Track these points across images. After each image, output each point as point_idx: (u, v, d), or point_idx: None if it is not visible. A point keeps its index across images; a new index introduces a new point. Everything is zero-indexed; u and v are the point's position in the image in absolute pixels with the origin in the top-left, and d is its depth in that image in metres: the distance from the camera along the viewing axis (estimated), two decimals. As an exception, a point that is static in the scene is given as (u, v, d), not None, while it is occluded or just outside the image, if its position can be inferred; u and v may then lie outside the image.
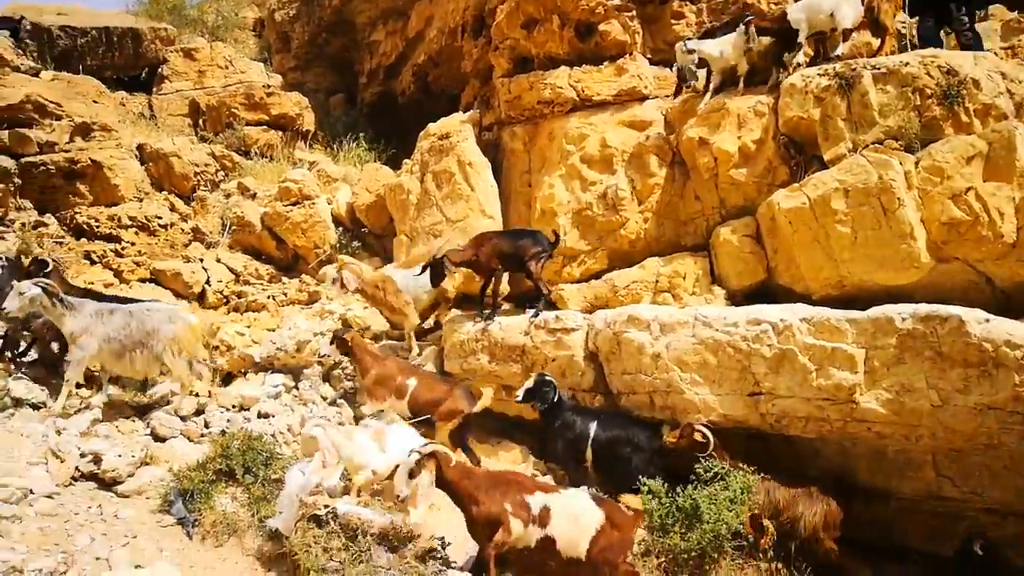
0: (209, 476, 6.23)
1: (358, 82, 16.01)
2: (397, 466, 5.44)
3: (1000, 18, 9.37)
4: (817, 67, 7.39)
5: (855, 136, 6.93)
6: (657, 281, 7.94)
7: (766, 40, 7.84)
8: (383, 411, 7.37)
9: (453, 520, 5.74)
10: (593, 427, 6.82)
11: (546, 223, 8.75)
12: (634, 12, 9.09)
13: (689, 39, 8.20)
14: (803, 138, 7.38)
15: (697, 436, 6.25)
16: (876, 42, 7.76)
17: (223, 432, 7.05)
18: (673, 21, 9.13)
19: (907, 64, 6.83)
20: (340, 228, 10.84)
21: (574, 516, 5.17)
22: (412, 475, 5.18)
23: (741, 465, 6.19)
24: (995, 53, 8.23)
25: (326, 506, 5.57)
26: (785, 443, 6.58)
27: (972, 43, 7.56)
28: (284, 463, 6.36)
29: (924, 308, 5.78)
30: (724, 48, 7.94)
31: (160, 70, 14.46)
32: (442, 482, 5.28)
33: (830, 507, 6.03)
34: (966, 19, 7.62)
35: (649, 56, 9.17)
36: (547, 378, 6.99)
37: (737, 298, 7.54)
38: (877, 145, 6.77)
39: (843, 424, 6.01)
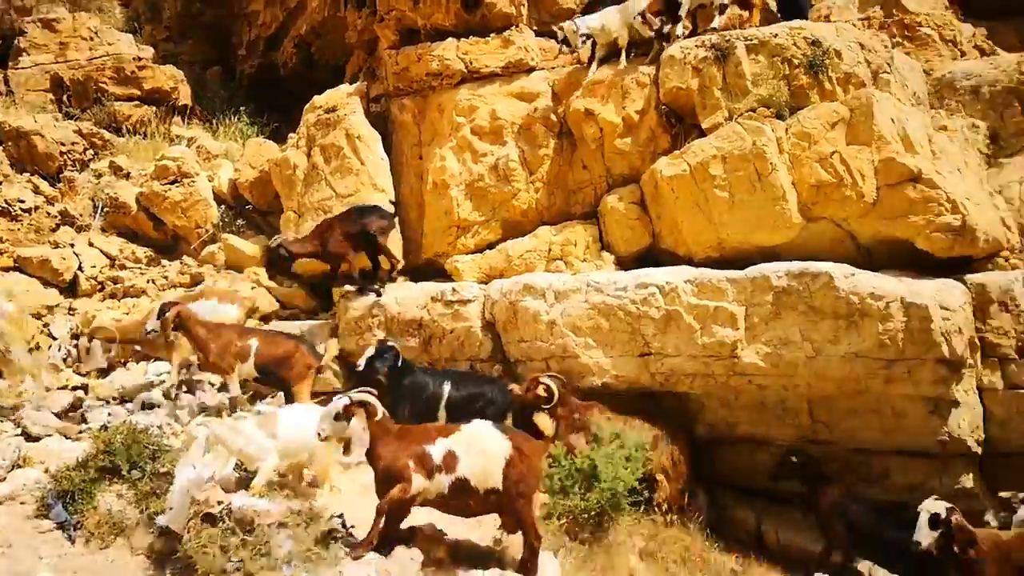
0: (91, 475, 5.81)
1: (236, 54, 15.38)
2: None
3: (858, -10, 9.91)
4: (694, 39, 7.67)
5: (731, 105, 7.26)
6: (550, 250, 8.11)
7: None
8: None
9: (357, 501, 5.75)
10: (447, 387, 6.87)
11: (439, 195, 8.77)
12: (519, -16, 9.13)
13: (575, 16, 8.32)
14: (683, 108, 7.66)
15: (541, 390, 6.39)
16: (746, 14, 8.12)
17: (104, 427, 6.70)
18: (557, -7, 9.21)
19: (776, 35, 7.18)
20: (223, 206, 10.49)
21: (481, 450, 5.12)
22: (338, 418, 5.04)
23: (635, 422, 6.45)
24: (853, 24, 8.76)
25: (220, 502, 5.38)
26: (675, 399, 6.90)
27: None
28: (172, 456, 6.05)
29: (797, 265, 6.18)
30: (607, 22, 8.13)
31: (16, 42, 13.45)
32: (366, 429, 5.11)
33: (674, 451, 6.39)
34: None
35: (535, 28, 9.22)
36: (389, 343, 6.98)
37: (626, 263, 7.79)
38: (751, 113, 7.12)
39: (727, 378, 6.37)
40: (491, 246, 8.57)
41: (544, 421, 6.34)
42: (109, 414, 7.06)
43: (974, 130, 7.35)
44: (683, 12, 7.86)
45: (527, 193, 8.47)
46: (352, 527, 5.39)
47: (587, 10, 8.72)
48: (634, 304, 6.65)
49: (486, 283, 8.00)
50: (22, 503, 5.74)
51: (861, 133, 6.54)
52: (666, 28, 7.89)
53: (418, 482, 5.03)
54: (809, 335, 6.05)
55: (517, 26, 9.20)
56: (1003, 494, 5.98)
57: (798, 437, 6.50)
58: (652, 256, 7.71)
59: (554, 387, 6.38)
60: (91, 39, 13.85)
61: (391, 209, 7.96)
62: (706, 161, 7.03)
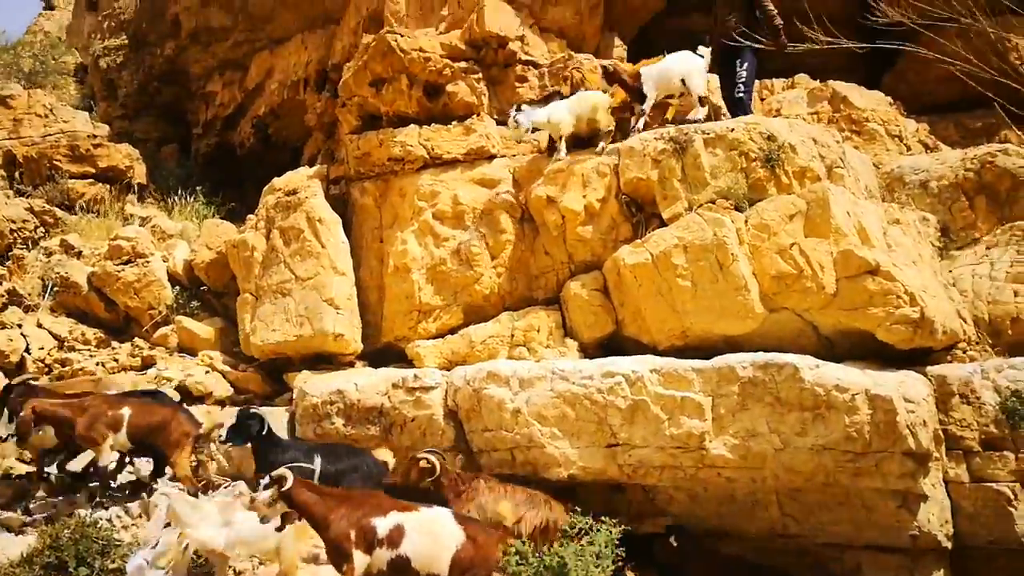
0: (36, 572, 5.60)
1: (192, 132, 15.36)
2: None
3: (805, 86, 10.35)
4: (653, 132, 7.86)
5: (690, 196, 7.39)
6: (512, 335, 8.05)
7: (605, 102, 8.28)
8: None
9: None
10: (318, 461, 6.69)
11: (400, 279, 8.72)
12: (480, 74, 9.35)
13: (520, 107, 8.54)
14: (643, 197, 7.79)
15: (423, 464, 6.25)
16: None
17: (49, 519, 6.39)
18: (517, 84, 9.42)
19: (733, 129, 7.39)
20: (177, 287, 10.25)
21: (432, 534, 5.11)
22: (270, 505, 5.08)
23: (604, 518, 6.31)
24: (803, 118, 9.12)
25: None
26: (642, 492, 6.80)
27: (742, 100, 8.19)
28: (123, 551, 5.84)
29: (762, 357, 6.21)
30: (553, 115, 8.39)
31: (-33, 118, 13.27)
32: (294, 504, 5.15)
33: (551, 513, 6.30)
34: (744, 74, 8.28)
35: (496, 116, 9.40)
36: (251, 411, 6.76)
37: (589, 350, 7.77)
38: (710, 204, 7.25)
39: (695, 471, 6.30)
40: (453, 331, 8.48)
41: (506, 510, 6.14)
42: (55, 505, 6.68)
43: (925, 223, 7.61)
44: (647, 106, 8.10)
45: (489, 278, 8.46)
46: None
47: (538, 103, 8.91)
48: (600, 393, 6.59)
49: (448, 369, 7.88)
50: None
51: (819, 226, 6.69)
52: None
53: (359, 560, 5.01)
54: (776, 427, 6.05)
55: (478, 114, 9.38)
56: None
57: (767, 531, 6.43)
58: (616, 343, 7.71)
59: (435, 461, 6.26)
60: (46, 116, 13.73)
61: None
62: (668, 250, 7.12)
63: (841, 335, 6.72)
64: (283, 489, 5.08)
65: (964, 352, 6.62)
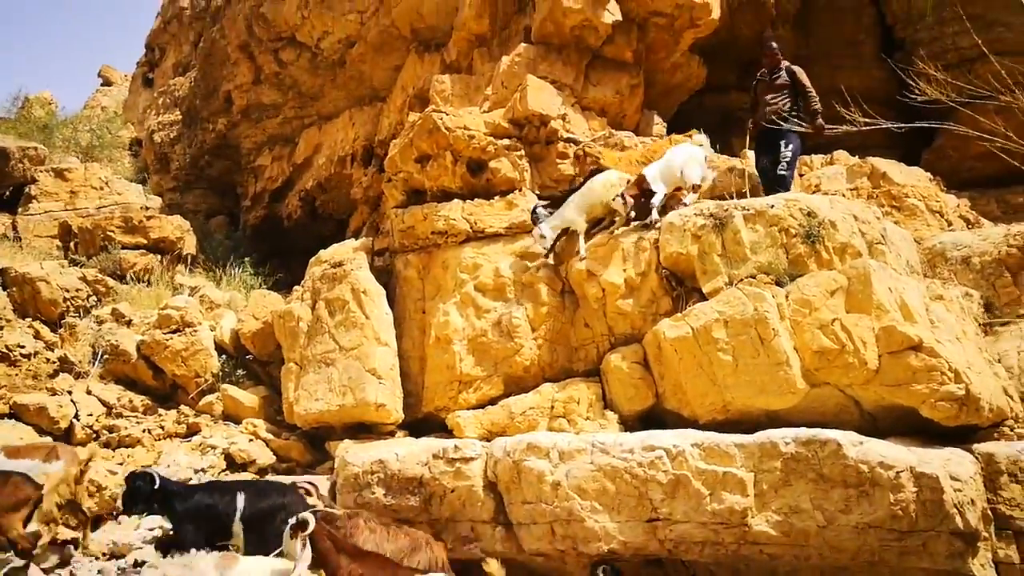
0: None
1: (241, 205, 15.93)
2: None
3: (844, 162, 10.49)
4: (693, 208, 8.02)
5: (730, 270, 7.48)
6: (553, 407, 8.10)
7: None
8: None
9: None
10: (240, 502, 6.65)
11: (441, 350, 8.86)
12: (522, 151, 9.65)
13: (536, 214, 8.86)
14: (683, 272, 7.90)
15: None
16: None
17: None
18: (558, 160, 9.70)
19: (773, 206, 7.52)
20: (223, 355, 10.49)
21: None
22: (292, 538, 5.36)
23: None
24: (843, 195, 9.22)
25: None
26: (683, 567, 6.71)
27: (784, 178, 8.39)
28: None
29: (805, 432, 6.17)
30: (566, 216, 8.69)
31: (28, 190, 13.95)
32: (315, 548, 5.35)
33: (433, 554, 6.29)
34: (788, 154, 8.48)
35: (537, 191, 9.66)
36: (138, 472, 6.74)
37: (629, 423, 7.78)
38: (751, 279, 7.32)
39: (737, 547, 6.21)
40: (493, 401, 8.57)
41: (494, 567, 6.02)
42: (99, 572, 6.76)
43: (968, 299, 7.59)
44: (658, 200, 8.32)
45: (529, 349, 8.57)
46: None
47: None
48: (641, 467, 6.57)
49: (488, 440, 7.92)
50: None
51: (860, 302, 6.72)
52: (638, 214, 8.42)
53: None
54: (820, 504, 5.97)
55: (520, 190, 9.65)
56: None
57: (812, 611, 6.29)
58: (656, 416, 7.71)
59: (313, 491, 6.49)
60: (101, 188, 14.41)
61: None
62: (709, 324, 7.17)
63: (884, 411, 6.67)
64: (305, 533, 5.29)
65: (1011, 430, 6.51)
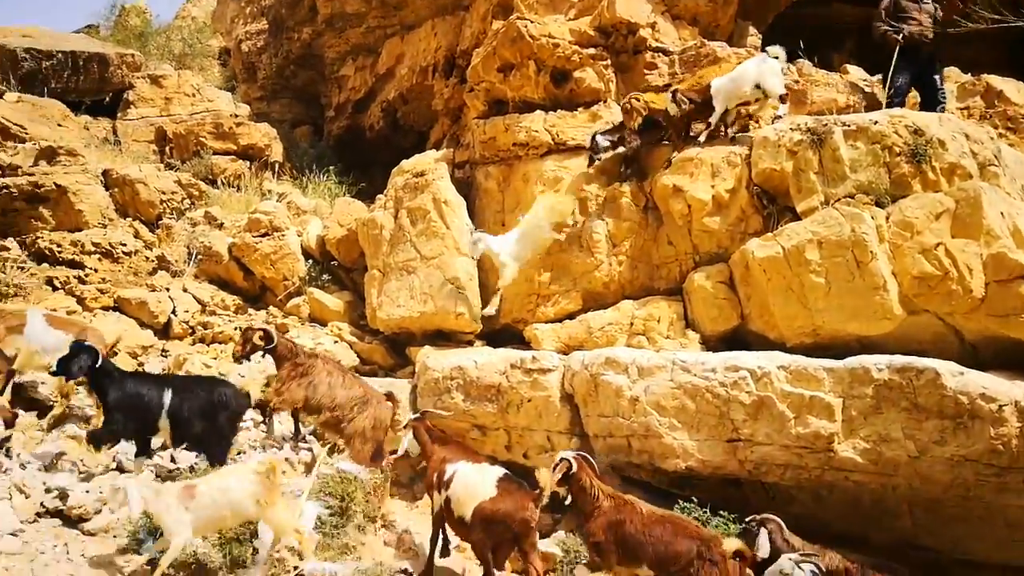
0: None
1: (325, 115, 15.98)
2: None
3: (955, 80, 9.80)
4: (789, 122, 7.64)
5: (827, 189, 7.15)
6: (632, 323, 8.02)
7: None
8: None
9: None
10: (168, 395, 6.57)
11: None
12: (609, 61, 9.31)
13: (597, 139, 8.56)
14: (775, 189, 7.59)
15: (257, 338, 7.02)
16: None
17: (192, 468, 6.83)
18: (646, 71, 9.32)
19: (876, 122, 7.10)
20: (310, 260, 10.70)
21: (467, 484, 5.87)
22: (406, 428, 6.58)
23: (721, 513, 6.23)
24: (952, 113, 8.64)
25: (295, 568, 5.48)
26: (762, 489, 6.65)
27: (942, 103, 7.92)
28: None
29: (900, 360, 5.95)
30: (503, 249, 8.60)
31: (126, 96, 14.26)
32: (416, 435, 6.53)
33: (379, 412, 6.90)
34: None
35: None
36: (84, 344, 6.53)
37: (711, 343, 7.65)
38: (848, 199, 6.99)
39: (821, 472, 6.12)
40: (571, 316, 8.51)
41: (544, 476, 5.95)
42: (198, 456, 7.11)
43: (1089, 228, 7.08)
44: (715, 117, 8.01)
45: (609, 265, 8.44)
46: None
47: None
48: (723, 387, 6.49)
49: (566, 353, 7.93)
50: (115, 536, 5.87)
51: (968, 226, 6.35)
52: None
53: (435, 496, 6.14)
54: (912, 434, 5.78)
55: (605, 101, 9.37)
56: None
57: (896, 540, 6.18)
58: (739, 337, 7.56)
59: (272, 332, 7.05)
60: (193, 96, 14.63)
61: None
62: (801, 245, 6.91)
63: (987, 342, 6.36)
64: (414, 420, 6.61)
65: None
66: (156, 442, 6.98)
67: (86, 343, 6.62)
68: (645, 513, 5.60)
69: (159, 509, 5.38)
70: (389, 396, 7.53)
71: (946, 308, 6.35)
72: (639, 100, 8.42)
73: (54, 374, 6.58)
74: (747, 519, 5.79)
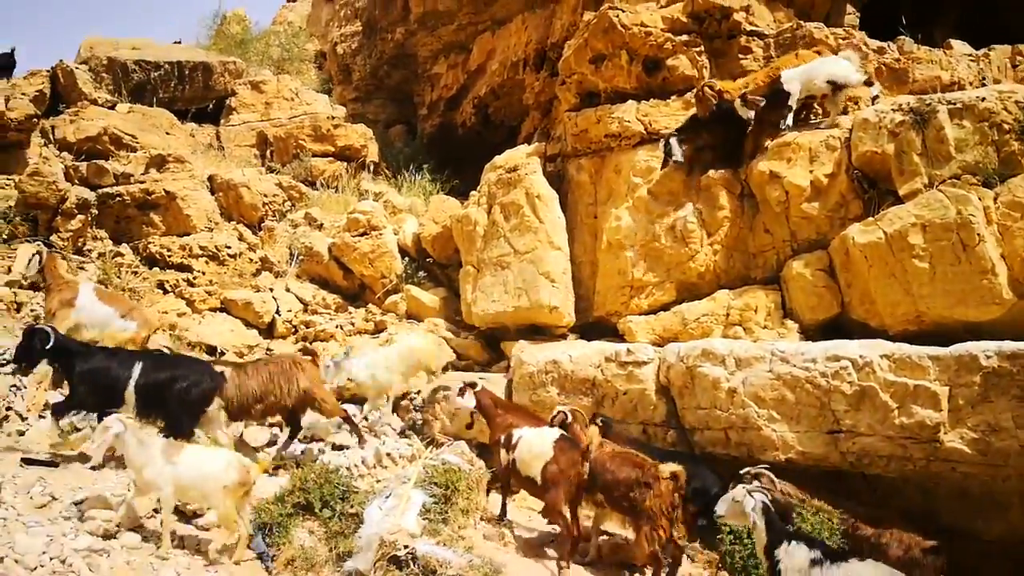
0: (287, 509, 6.15)
1: (418, 113, 16.33)
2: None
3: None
4: (890, 102, 7.40)
5: (931, 171, 6.90)
6: (728, 314, 7.95)
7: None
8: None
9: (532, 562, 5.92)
10: (136, 370, 6.52)
11: (613, 255, 8.86)
12: (702, 47, 9.19)
13: (671, 143, 8.58)
14: (876, 173, 7.38)
15: None
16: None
17: (297, 463, 7.11)
18: (740, 56, 9.15)
19: (984, 99, 6.80)
20: (406, 258, 10.99)
21: (531, 446, 6.43)
22: (460, 395, 7.21)
23: (817, 502, 6.13)
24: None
25: (406, 547, 5.59)
26: (863, 480, 6.51)
27: None
28: (360, 498, 6.30)
29: (1010, 346, 5.72)
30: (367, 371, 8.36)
31: (228, 102, 14.92)
32: (479, 405, 7.18)
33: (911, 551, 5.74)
34: None
35: (717, 89, 9.21)
36: (36, 327, 6.59)
37: (810, 332, 7.52)
38: (954, 180, 6.74)
39: (926, 463, 5.96)
40: (665, 308, 8.51)
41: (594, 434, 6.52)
42: (302, 452, 7.45)
43: None
44: (793, 102, 7.97)
45: (704, 255, 8.38)
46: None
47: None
48: (824, 377, 6.37)
49: (660, 345, 7.92)
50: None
51: (1085, 205, 6.03)
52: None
53: (503, 455, 6.69)
54: (1024, 423, 5.57)
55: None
56: None
57: (1006, 533, 5.95)
58: (840, 326, 7.39)
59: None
60: (292, 99, 15.16)
61: None
62: (904, 229, 6.70)
63: (1107, 327, 6.04)
64: (475, 391, 7.21)
65: None
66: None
67: (36, 326, 6.58)
68: (608, 452, 6.28)
69: (141, 460, 5.53)
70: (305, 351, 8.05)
71: (1061, 292, 6.05)
72: (712, 88, 8.41)
73: (13, 364, 6.73)
74: (742, 471, 6.04)
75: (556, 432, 6.51)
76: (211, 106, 14.94)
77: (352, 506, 6.28)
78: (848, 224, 7.35)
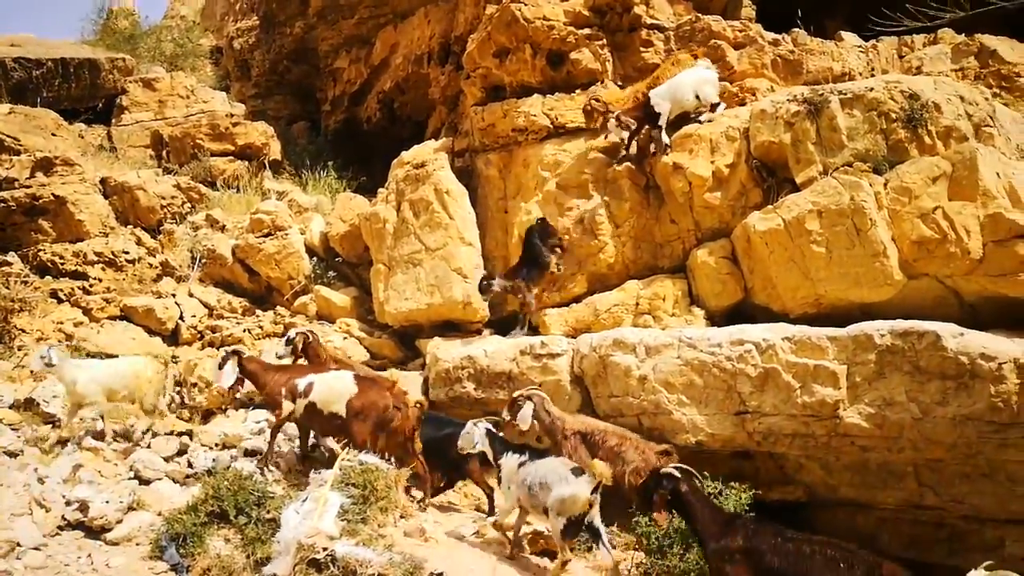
0: (201, 519, 5.97)
1: (321, 109, 15.99)
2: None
3: (949, 41, 9.77)
4: (786, 93, 7.68)
5: (825, 159, 7.20)
6: (637, 303, 8.10)
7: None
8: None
9: (453, 555, 5.89)
10: None
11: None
12: (604, 40, 9.33)
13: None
14: (774, 162, 7.65)
15: None
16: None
17: (209, 472, 6.92)
18: (642, 48, 9.34)
19: (872, 89, 7.14)
20: (314, 258, 10.76)
21: (330, 385, 6.75)
22: (220, 367, 7.05)
23: (733, 484, 6.31)
24: (946, 76, 8.63)
25: (324, 549, 5.53)
26: (771, 460, 6.75)
27: None
28: (277, 503, 6.19)
29: (902, 324, 6.02)
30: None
31: (119, 101, 14.31)
32: (244, 372, 7.08)
33: (646, 456, 6.31)
34: None
35: (620, 83, 9.39)
36: None
37: (716, 318, 7.73)
38: (847, 167, 7.05)
39: (828, 439, 6.21)
40: (577, 299, 8.60)
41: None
42: (214, 460, 7.22)
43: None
44: (663, 122, 8.14)
45: (613, 247, 8.51)
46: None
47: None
48: (729, 361, 6.57)
49: (574, 336, 8.01)
50: (137, 544, 5.91)
51: (965, 188, 6.40)
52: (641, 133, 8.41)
53: (287, 406, 6.85)
54: (915, 396, 5.86)
55: (602, 82, 9.39)
56: None
57: (903, 502, 6.27)
58: (744, 311, 7.63)
59: None
60: (187, 97, 14.65)
61: None
62: (802, 216, 6.97)
63: (986, 302, 6.44)
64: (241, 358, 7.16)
65: (1125, 321, 6.20)
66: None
67: None
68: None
69: (71, 375, 7.07)
70: None
71: (945, 271, 6.42)
72: (598, 101, 8.63)
73: None
74: (515, 394, 6.80)
75: (350, 373, 6.95)
76: (100, 105, 14.30)
77: (268, 511, 6.15)
78: (749, 212, 7.59)
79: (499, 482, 6.30)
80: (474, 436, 6.33)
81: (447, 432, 7.01)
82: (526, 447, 6.36)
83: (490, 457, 6.35)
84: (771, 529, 4.90)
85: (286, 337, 7.91)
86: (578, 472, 5.71)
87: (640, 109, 8.34)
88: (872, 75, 8.71)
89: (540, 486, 5.78)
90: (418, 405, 6.77)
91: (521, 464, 6.06)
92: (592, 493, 5.55)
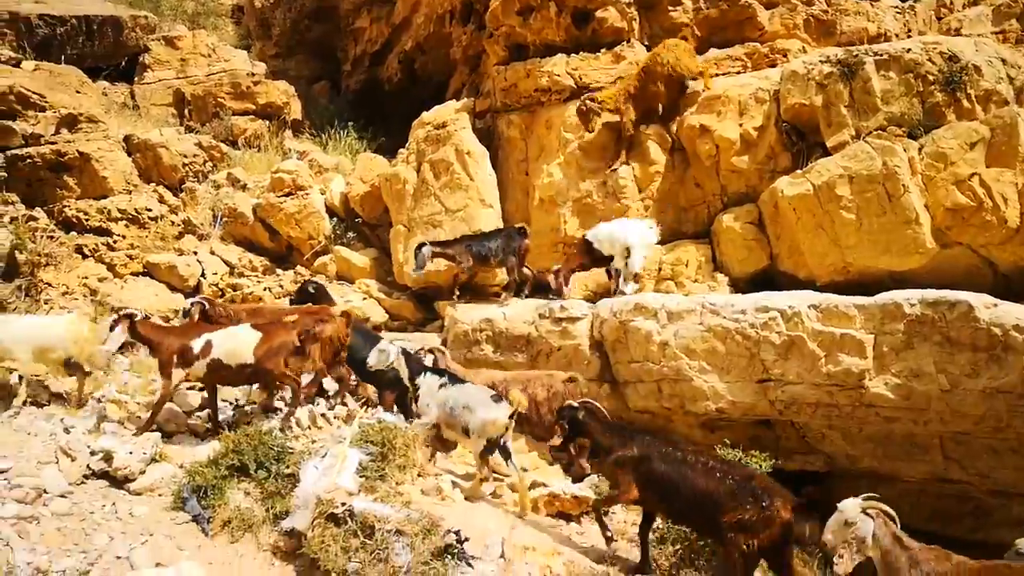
0: (222, 472, 6.00)
1: (342, 69, 15.83)
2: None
3: (990, 2, 9.44)
4: (819, 54, 7.44)
5: (858, 122, 6.99)
6: (660, 268, 7.98)
7: None
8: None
9: (471, 513, 5.87)
10: None
11: (545, 211, 8.77)
12: (631, -1, 9.07)
13: None
14: (805, 125, 7.44)
15: None
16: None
17: (229, 426, 6.95)
18: (670, 8, 9.07)
19: (909, 50, 6.89)
20: (334, 218, 10.71)
21: (233, 338, 6.63)
22: (111, 330, 6.73)
23: (754, 452, 6.22)
24: (986, 38, 8.33)
25: (343, 504, 5.52)
26: (792, 429, 6.64)
27: None
28: (296, 458, 6.22)
29: (932, 294, 5.86)
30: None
31: (142, 59, 14.19)
32: (137, 335, 6.77)
33: (552, 386, 6.70)
34: None
35: (647, 43, 9.15)
36: None
37: (740, 285, 7.60)
38: (880, 131, 6.84)
39: (852, 409, 6.10)
40: (598, 264, 8.47)
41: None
42: (232, 414, 7.25)
43: None
44: (637, 264, 7.57)
45: (636, 210, 8.35)
46: (467, 540, 5.40)
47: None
48: (753, 328, 6.44)
49: (593, 301, 7.91)
50: (160, 495, 5.96)
51: (1004, 154, 6.19)
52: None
53: (178, 374, 6.63)
54: (944, 367, 5.72)
55: (628, 40, 9.16)
56: None
57: (927, 475, 6.16)
58: (769, 278, 7.50)
59: None
60: (209, 56, 14.49)
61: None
62: (832, 181, 6.79)
63: (1021, 272, 6.24)
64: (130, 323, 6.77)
65: None
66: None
67: None
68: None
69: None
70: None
71: (980, 240, 6.24)
72: (593, 100, 8.29)
73: None
74: (419, 348, 6.99)
75: (246, 324, 6.88)
76: (124, 63, 14.19)
77: (288, 467, 6.13)
78: (777, 177, 7.41)
79: (416, 400, 6.49)
80: (389, 354, 6.49)
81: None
82: (444, 370, 6.61)
83: (403, 375, 6.52)
84: (664, 441, 5.53)
85: (182, 309, 7.82)
86: (497, 399, 6.02)
87: (587, 255, 7.78)
88: (909, 36, 8.43)
89: (463, 408, 6.09)
90: (344, 316, 6.96)
91: (442, 385, 6.27)
92: (509, 418, 5.87)
